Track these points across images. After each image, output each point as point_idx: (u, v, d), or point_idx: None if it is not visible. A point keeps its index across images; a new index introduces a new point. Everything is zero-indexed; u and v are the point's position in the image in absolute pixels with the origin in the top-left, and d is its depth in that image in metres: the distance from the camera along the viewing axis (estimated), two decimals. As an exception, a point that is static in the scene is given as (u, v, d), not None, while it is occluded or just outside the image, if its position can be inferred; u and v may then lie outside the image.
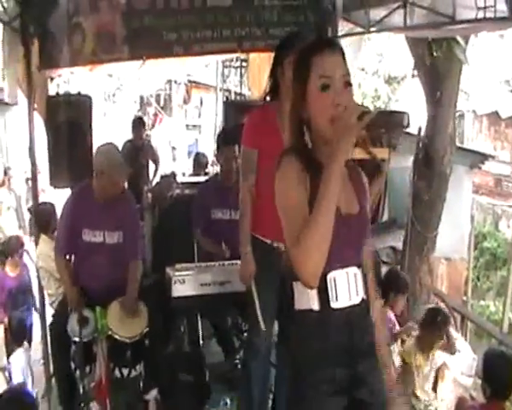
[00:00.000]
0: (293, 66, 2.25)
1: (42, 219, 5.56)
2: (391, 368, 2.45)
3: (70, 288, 4.32)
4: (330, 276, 2.16)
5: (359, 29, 5.78)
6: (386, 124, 2.17)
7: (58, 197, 6.31)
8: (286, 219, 2.12)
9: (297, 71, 2.19)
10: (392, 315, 4.79)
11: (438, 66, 6.36)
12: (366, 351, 2.26)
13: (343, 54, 2.17)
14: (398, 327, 4.80)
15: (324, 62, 2.11)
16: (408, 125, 2.16)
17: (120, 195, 4.36)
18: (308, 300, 2.19)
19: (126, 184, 4.66)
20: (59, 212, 5.20)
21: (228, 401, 4.20)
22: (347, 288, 2.20)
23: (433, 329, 4.52)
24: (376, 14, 5.36)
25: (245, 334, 4.79)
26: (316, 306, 2.18)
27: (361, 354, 2.23)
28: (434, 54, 6.23)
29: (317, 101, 2.11)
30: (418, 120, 7.31)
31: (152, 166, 8.85)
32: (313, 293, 2.17)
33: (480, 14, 4.31)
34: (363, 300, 2.25)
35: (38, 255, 5.39)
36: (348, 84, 2.12)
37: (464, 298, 9.14)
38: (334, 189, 2.00)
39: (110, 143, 4.52)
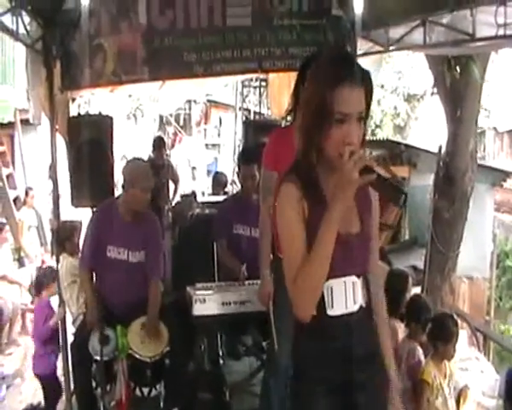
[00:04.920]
0: (310, 75, 2.25)
1: (62, 237, 5.59)
2: (394, 376, 2.47)
3: (91, 301, 4.35)
4: (327, 285, 2.21)
5: (378, 48, 5.78)
6: (382, 194, 2.24)
7: (79, 217, 6.37)
8: (285, 254, 2.22)
9: (315, 97, 2.13)
10: (420, 352, 4.67)
11: (458, 83, 6.33)
12: (365, 357, 2.30)
13: (364, 84, 2.12)
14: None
15: (344, 99, 2.07)
16: (403, 205, 2.22)
17: (145, 214, 4.41)
18: None
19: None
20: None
21: (248, 420, 4.19)
22: (344, 296, 2.25)
23: (444, 336, 4.41)
24: (396, 32, 5.36)
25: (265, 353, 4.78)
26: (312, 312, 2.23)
27: (359, 360, 2.27)
28: (455, 72, 6.20)
29: (328, 133, 2.10)
30: (438, 137, 7.29)
31: (171, 185, 8.90)
32: None
33: (501, 32, 4.29)
34: (361, 307, 2.29)
35: (62, 272, 5.41)
36: (361, 118, 2.12)
37: (487, 318, 9.03)
38: (331, 236, 2.09)
39: (139, 158, 4.61)
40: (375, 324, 2.41)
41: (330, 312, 2.24)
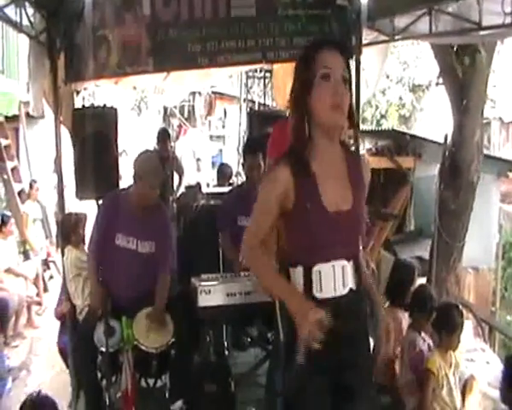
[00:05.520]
0: (296, 62, 2.44)
1: (67, 229, 5.59)
2: (380, 306, 2.62)
3: (96, 288, 4.36)
4: (315, 269, 2.33)
5: (384, 37, 5.74)
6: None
7: (83, 209, 6.36)
8: (253, 219, 2.52)
9: (301, 64, 2.39)
10: (421, 342, 4.65)
11: (465, 73, 6.29)
12: (353, 338, 2.41)
13: (343, 54, 2.38)
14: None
15: (326, 56, 2.33)
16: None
17: (155, 206, 4.41)
18: (296, 286, 2.37)
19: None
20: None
21: (253, 410, 4.20)
22: (333, 280, 2.34)
23: (449, 326, 4.39)
24: (401, 21, 5.32)
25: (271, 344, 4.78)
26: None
27: (347, 341, 2.36)
28: (463, 61, 6.15)
29: (318, 89, 2.31)
30: (444, 128, 7.25)
31: (176, 177, 8.89)
32: (300, 281, 2.36)
33: (508, 20, 4.26)
34: (351, 290, 2.38)
35: (67, 265, 5.40)
36: (345, 79, 2.33)
37: (492, 309, 9.00)
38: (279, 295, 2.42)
39: (149, 150, 4.60)
40: (365, 306, 2.51)
41: (318, 294, 2.34)
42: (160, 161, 8.13)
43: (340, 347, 2.34)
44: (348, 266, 2.37)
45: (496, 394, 4.95)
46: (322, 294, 2.33)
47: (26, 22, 4.93)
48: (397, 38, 5.57)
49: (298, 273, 2.35)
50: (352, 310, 2.40)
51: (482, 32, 4.70)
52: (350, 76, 2.37)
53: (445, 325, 4.33)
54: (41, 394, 3.36)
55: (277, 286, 2.38)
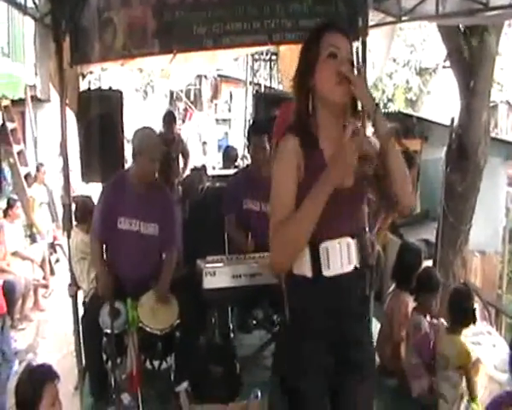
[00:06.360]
0: (303, 43, 2.44)
1: (82, 210, 5.59)
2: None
3: (101, 271, 4.38)
4: (323, 246, 2.33)
5: (390, 19, 5.69)
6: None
7: (89, 193, 6.37)
8: (273, 203, 2.34)
9: (307, 44, 2.40)
10: (426, 325, 4.65)
11: (471, 55, 6.24)
12: (357, 314, 2.45)
13: (348, 38, 2.39)
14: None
15: (333, 37, 2.35)
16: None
17: (158, 187, 4.40)
18: (302, 266, 2.35)
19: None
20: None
21: (259, 393, 4.19)
22: (340, 257, 2.35)
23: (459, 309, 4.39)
24: (408, 2, 5.26)
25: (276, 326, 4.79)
26: (309, 273, 2.35)
27: (351, 315, 2.41)
28: (471, 43, 6.10)
29: (324, 66, 2.32)
30: (450, 112, 7.20)
31: (181, 160, 8.88)
32: (307, 261, 2.33)
33: (515, 0, 4.22)
34: (355, 268, 2.40)
35: (72, 248, 5.41)
36: (351, 62, 2.33)
37: (499, 292, 8.99)
38: (319, 207, 2.17)
39: (147, 126, 4.59)
40: (364, 285, 2.50)
41: (326, 272, 2.34)
42: (166, 144, 8.24)
43: (345, 324, 2.38)
44: (352, 243, 2.39)
45: (502, 377, 4.96)
46: (330, 271, 2.33)
47: (30, 4, 4.91)
48: (404, 19, 5.51)
49: (304, 253, 2.32)
50: (356, 288, 2.43)
51: (489, 13, 4.64)
52: (353, 62, 2.37)
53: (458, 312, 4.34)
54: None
55: (306, 208, 2.18)
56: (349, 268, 2.37)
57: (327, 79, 2.30)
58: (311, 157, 2.30)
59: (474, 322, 4.44)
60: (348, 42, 2.38)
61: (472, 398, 4.25)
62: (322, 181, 2.16)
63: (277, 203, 2.30)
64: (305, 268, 2.35)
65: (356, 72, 2.31)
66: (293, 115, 2.41)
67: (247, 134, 5.72)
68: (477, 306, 5.94)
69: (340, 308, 2.37)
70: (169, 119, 8.79)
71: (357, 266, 2.41)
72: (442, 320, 4.71)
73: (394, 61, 16.58)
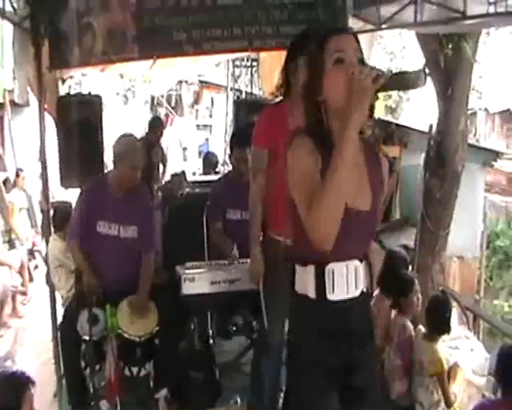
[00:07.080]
0: (308, 57, 2.34)
1: (60, 218, 5.54)
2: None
3: (85, 269, 4.34)
4: (329, 268, 2.20)
5: (370, 26, 5.74)
6: (401, 84, 2.21)
7: (68, 198, 6.33)
8: (299, 190, 2.16)
9: (311, 59, 2.28)
10: (411, 328, 4.68)
11: (449, 62, 6.31)
12: (363, 339, 2.32)
13: (355, 36, 2.25)
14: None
15: (338, 40, 2.19)
16: (424, 84, 2.20)
17: (136, 188, 4.38)
18: (306, 286, 2.25)
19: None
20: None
21: (238, 399, 4.19)
22: (345, 281, 2.23)
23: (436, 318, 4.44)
24: (387, 10, 5.31)
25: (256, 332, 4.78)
26: (312, 294, 2.24)
27: (358, 343, 2.28)
28: (447, 50, 6.17)
29: (331, 74, 2.15)
30: (429, 118, 7.27)
31: (161, 166, 8.86)
32: (311, 281, 2.22)
33: (491, 9, 4.28)
34: (362, 293, 2.28)
35: (50, 255, 5.37)
36: (361, 61, 2.17)
37: (477, 297, 9.08)
38: (347, 155, 2.03)
39: (128, 133, 4.57)
40: (370, 307, 2.43)
41: (330, 296, 2.23)
42: (148, 149, 8.21)
43: (350, 349, 2.28)
44: (361, 267, 2.26)
45: (480, 381, 5.00)
46: (334, 295, 2.22)
47: (9, 8, 4.87)
48: (383, 27, 5.56)
49: (308, 273, 2.23)
50: (362, 312, 2.33)
51: (467, 22, 4.70)
52: (363, 59, 2.22)
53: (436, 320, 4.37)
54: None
55: (325, 188, 2.03)
56: (355, 293, 2.26)
57: (337, 89, 2.11)
58: (326, 155, 2.11)
59: (449, 332, 4.47)
60: (353, 38, 2.22)
61: (447, 406, 4.26)
62: (344, 127, 2.03)
63: (304, 185, 2.12)
64: (308, 288, 2.24)
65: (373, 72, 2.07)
66: (304, 120, 2.28)
67: (229, 144, 5.70)
68: (455, 311, 6.00)
69: (342, 332, 2.26)
70: (156, 124, 8.78)
71: (364, 290, 2.29)
72: (420, 326, 4.74)
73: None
